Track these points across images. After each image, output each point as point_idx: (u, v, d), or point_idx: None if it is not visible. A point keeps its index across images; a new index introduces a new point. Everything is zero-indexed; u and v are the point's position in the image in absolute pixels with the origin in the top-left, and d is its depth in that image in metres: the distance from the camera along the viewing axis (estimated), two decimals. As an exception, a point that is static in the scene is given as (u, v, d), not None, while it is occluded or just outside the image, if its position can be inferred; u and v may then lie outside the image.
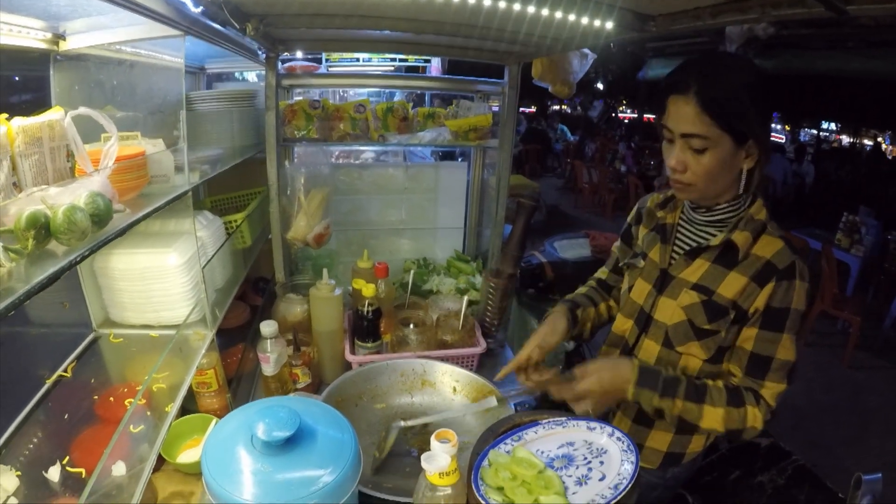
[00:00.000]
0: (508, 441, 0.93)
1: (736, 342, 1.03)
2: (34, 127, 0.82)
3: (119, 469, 0.86)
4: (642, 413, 1.12)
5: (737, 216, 1.03)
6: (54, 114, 0.88)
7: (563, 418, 0.97)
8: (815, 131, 11.81)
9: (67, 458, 0.88)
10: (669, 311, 1.08)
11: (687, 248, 1.10)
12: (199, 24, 0.98)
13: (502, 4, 0.96)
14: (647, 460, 1.19)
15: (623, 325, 1.21)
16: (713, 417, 0.98)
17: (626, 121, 14.47)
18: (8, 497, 0.76)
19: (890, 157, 9.88)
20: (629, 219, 1.30)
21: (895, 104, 6.94)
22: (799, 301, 0.97)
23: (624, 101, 15.32)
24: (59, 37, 1.00)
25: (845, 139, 12.21)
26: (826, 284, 3.92)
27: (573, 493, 0.80)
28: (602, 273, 1.39)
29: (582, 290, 1.38)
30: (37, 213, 0.61)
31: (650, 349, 1.12)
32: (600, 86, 12.44)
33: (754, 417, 0.98)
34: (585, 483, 0.82)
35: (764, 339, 0.99)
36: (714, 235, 1.05)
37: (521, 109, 12.90)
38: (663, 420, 1.03)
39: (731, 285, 1.00)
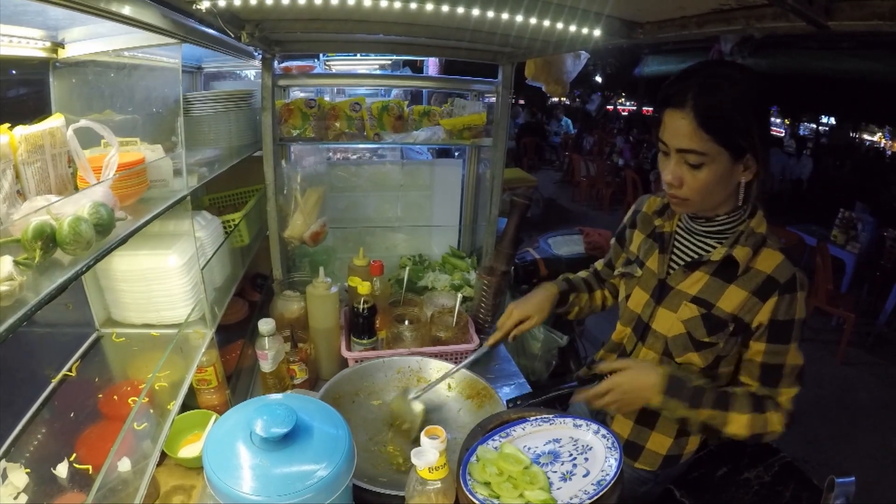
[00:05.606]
0: (497, 437, 0.96)
1: (745, 355, 1.04)
2: (36, 135, 0.84)
3: (124, 465, 0.90)
4: (643, 414, 1.15)
5: (737, 228, 1.02)
6: (55, 121, 0.90)
7: (551, 415, 1.00)
8: (814, 125, 11.74)
9: (74, 454, 0.91)
10: (668, 323, 1.08)
11: (686, 258, 1.09)
12: (196, 33, 1.00)
13: (490, 14, 0.98)
14: (646, 462, 1.20)
15: (621, 332, 1.23)
16: (739, 423, 0.99)
17: (624, 113, 14.43)
18: (18, 493, 0.80)
19: (889, 153, 9.84)
20: (625, 220, 1.29)
21: (890, 103, 6.93)
22: (801, 311, 0.98)
23: (623, 94, 15.27)
24: (57, 45, 1.02)
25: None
26: (821, 281, 3.93)
27: (558, 489, 0.84)
28: (598, 265, 1.43)
29: (583, 273, 1.43)
30: (43, 224, 0.64)
31: (648, 358, 1.14)
32: (599, 79, 12.39)
33: (775, 422, 1.00)
34: (570, 479, 0.86)
35: (772, 351, 1.00)
36: (713, 247, 1.04)
37: (520, 102, 12.85)
38: (684, 425, 1.04)
39: (731, 299, 1.00)
